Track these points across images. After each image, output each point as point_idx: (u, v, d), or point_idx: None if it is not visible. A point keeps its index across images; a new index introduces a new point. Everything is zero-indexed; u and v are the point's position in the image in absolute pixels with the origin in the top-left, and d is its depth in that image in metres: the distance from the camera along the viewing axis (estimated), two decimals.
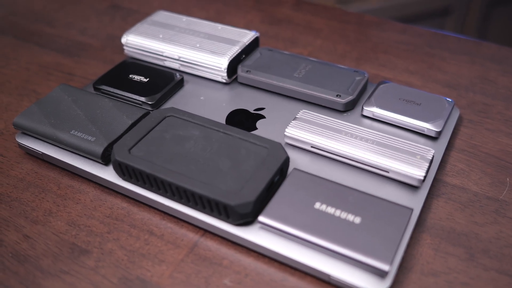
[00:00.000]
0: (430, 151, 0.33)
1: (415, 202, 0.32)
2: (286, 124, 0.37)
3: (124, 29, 0.53)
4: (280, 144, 0.33)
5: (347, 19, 0.54)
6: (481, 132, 0.39)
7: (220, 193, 0.30)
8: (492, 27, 1.30)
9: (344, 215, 0.30)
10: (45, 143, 0.36)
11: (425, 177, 0.32)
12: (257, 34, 0.44)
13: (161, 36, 0.44)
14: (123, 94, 0.40)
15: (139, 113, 0.37)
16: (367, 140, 0.34)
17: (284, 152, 0.33)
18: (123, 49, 0.49)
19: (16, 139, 0.37)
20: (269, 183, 0.31)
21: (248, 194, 0.30)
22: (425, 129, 0.36)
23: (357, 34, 0.51)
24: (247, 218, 0.30)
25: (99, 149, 0.34)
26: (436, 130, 0.36)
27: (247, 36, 0.44)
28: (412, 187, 0.33)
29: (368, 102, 0.38)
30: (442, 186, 0.34)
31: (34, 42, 0.51)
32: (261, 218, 0.30)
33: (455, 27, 1.27)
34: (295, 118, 0.36)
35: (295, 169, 0.33)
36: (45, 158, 0.36)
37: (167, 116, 0.36)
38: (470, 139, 0.38)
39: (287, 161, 0.33)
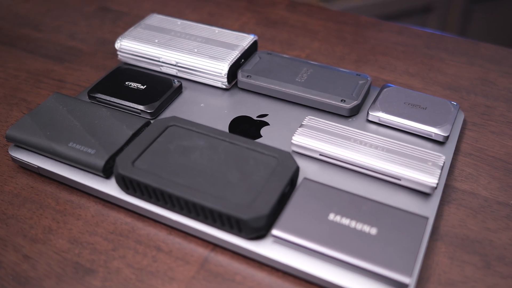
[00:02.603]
0: (441, 157, 0.33)
1: (428, 209, 0.31)
2: (291, 131, 0.36)
3: (115, 32, 0.51)
4: (289, 153, 0.32)
5: (343, 20, 0.53)
6: (486, 135, 0.39)
7: (232, 207, 0.29)
8: (474, 24, 1.31)
9: (359, 226, 0.29)
10: (41, 156, 0.35)
11: (437, 184, 0.32)
12: (256, 38, 0.43)
13: (156, 40, 0.43)
14: (120, 103, 0.38)
15: (140, 123, 0.35)
16: (376, 147, 0.33)
17: (294, 161, 0.32)
18: (115, 54, 0.47)
19: (9, 153, 0.35)
20: (281, 195, 0.30)
21: (261, 207, 0.29)
22: (433, 134, 0.36)
23: (354, 35, 0.51)
24: (260, 232, 0.29)
25: (100, 162, 0.32)
26: (444, 135, 0.35)
27: (246, 39, 0.42)
28: (424, 194, 0.32)
29: (373, 107, 0.38)
30: (452, 192, 0.34)
31: (21, 48, 0.49)
32: (275, 231, 0.29)
33: (437, 25, 1.28)
34: (301, 125, 0.35)
35: (305, 179, 0.32)
36: (41, 172, 0.35)
37: (170, 126, 0.34)
38: (475, 142, 0.38)
39: (297, 171, 0.32)
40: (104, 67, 0.46)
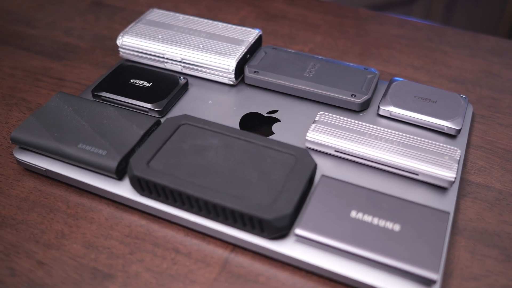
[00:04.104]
0: (457, 151, 0.33)
1: (447, 204, 0.31)
2: (303, 127, 0.36)
3: (112, 28, 0.50)
4: (307, 150, 0.32)
5: (343, 14, 0.53)
6: (494, 127, 0.39)
7: (254, 207, 0.28)
8: (457, 13, 1.32)
9: (382, 223, 0.29)
10: (48, 158, 0.34)
11: (455, 178, 0.32)
12: (261, 32, 0.42)
13: (160, 36, 0.41)
14: (126, 101, 0.37)
15: (150, 122, 0.34)
16: (392, 142, 0.33)
17: (312, 159, 0.31)
18: (114, 51, 0.46)
19: (15, 155, 0.34)
20: (302, 193, 0.30)
21: (283, 206, 0.28)
22: (445, 128, 0.36)
23: (355, 29, 0.50)
24: (282, 231, 0.29)
25: (113, 164, 0.31)
26: (456, 128, 0.35)
27: (251, 34, 0.42)
28: (441, 189, 0.32)
29: (384, 101, 0.37)
30: (466, 185, 0.34)
31: (16, 45, 0.47)
32: (298, 231, 0.28)
33: (421, 14, 1.29)
34: (314, 121, 0.35)
35: (323, 176, 0.31)
36: (49, 175, 0.34)
37: (182, 125, 0.34)
38: (485, 135, 0.38)
39: (315, 168, 0.31)
40: (104, 64, 0.45)
